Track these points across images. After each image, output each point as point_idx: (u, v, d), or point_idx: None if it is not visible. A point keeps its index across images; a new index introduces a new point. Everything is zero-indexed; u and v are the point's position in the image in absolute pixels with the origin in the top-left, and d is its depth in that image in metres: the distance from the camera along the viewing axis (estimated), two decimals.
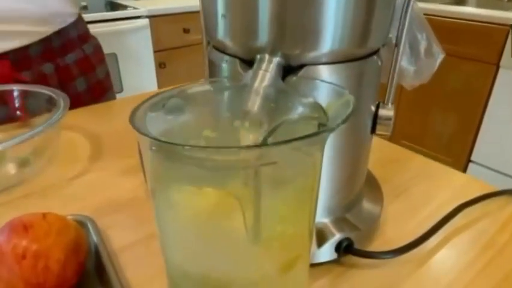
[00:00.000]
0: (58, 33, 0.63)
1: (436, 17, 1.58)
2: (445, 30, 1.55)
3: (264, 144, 0.17)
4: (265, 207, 0.19)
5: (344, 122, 0.17)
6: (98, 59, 0.73)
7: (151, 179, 0.22)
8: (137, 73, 1.80)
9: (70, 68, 0.66)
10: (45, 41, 0.61)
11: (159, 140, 0.17)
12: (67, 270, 0.28)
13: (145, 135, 0.18)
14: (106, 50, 0.77)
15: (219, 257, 0.22)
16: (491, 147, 1.58)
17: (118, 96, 0.80)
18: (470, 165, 1.68)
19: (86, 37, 0.71)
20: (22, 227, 0.27)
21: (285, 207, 0.21)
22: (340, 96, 0.22)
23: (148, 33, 1.79)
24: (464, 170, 1.67)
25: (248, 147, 0.19)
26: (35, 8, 0.58)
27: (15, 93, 0.53)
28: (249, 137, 0.21)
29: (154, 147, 0.18)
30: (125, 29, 1.70)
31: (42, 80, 0.62)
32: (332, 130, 0.17)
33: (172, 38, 1.89)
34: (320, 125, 0.21)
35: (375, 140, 0.37)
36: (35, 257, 0.26)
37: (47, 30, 0.61)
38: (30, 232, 0.27)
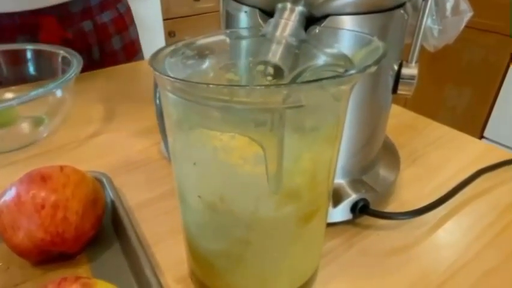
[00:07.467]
0: None
1: None
2: None
3: (292, 83, 0.17)
4: (288, 155, 0.19)
5: (375, 63, 0.16)
6: (130, 19, 0.73)
7: (170, 125, 0.21)
8: (147, 42, 1.76)
9: (107, 25, 0.66)
10: None
11: (181, 80, 0.16)
12: (85, 222, 0.28)
13: (167, 76, 0.17)
14: None
15: (239, 203, 0.21)
16: (506, 123, 1.55)
17: None
18: (483, 141, 1.65)
19: None
20: (40, 177, 0.27)
21: (308, 157, 0.20)
22: (367, 44, 0.21)
23: (157, 0, 1.75)
24: None
25: (276, 85, 0.18)
26: None
27: (29, 54, 0.52)
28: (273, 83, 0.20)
29: (174, 91, 0.18)
30: None
31: (82, 37, 0.63)
32: (362, 71, 0.16)
33: (182, 6, 1.85)
34: (346, 71, 0.20)
35: (392, 106, 0.36)
36: (54, 207, 0.27)
37: None
38: (49, 183, 0.27)
